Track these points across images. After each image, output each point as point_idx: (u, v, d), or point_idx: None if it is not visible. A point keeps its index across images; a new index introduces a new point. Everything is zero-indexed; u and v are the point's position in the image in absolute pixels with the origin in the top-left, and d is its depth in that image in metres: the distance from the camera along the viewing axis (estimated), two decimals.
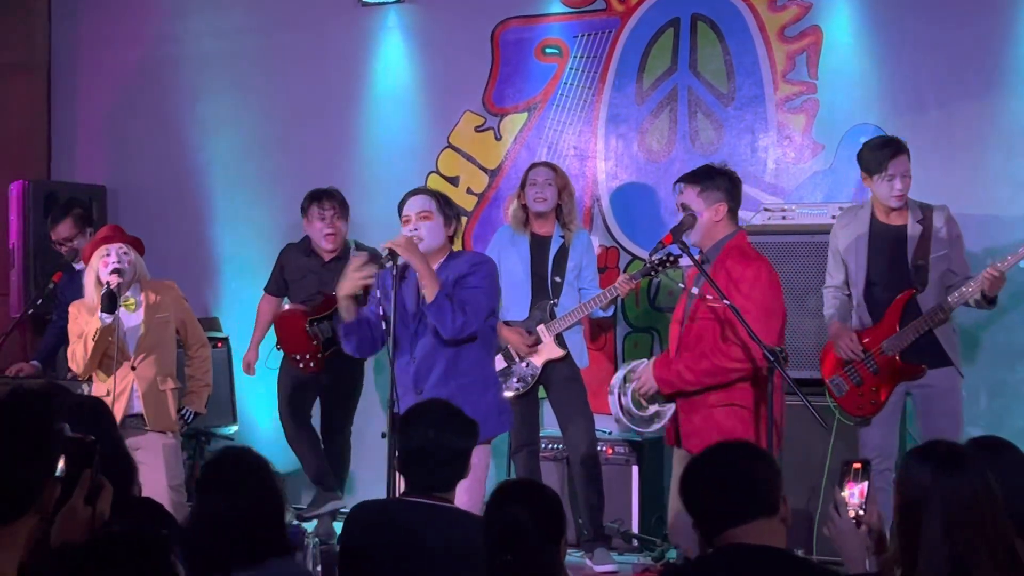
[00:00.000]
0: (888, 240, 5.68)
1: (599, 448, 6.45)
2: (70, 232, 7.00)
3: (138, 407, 5.76)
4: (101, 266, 5.74)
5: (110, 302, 5.63)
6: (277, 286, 7.09)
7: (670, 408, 5.08)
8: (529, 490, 3.43)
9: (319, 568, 4.36)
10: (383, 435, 4.67)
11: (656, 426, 5.29)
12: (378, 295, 5.03)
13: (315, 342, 6.81)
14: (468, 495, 3.94)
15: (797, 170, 6.89)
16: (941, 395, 5.61)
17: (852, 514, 3.08)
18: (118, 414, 5.53)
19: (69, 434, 2.68)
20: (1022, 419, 6.31)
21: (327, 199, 6.84)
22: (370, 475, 7.53)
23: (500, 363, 6.36)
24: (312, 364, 6.84)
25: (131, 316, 5.82)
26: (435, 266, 5.04)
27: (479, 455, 4.62)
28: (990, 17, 6.54)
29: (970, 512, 2.81)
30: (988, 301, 5.53)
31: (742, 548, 2.98)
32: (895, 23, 6.70)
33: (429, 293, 4.86)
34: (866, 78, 6.74)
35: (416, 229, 5.01)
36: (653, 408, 5.21)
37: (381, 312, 4.98)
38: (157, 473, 5.60)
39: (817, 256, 6.07)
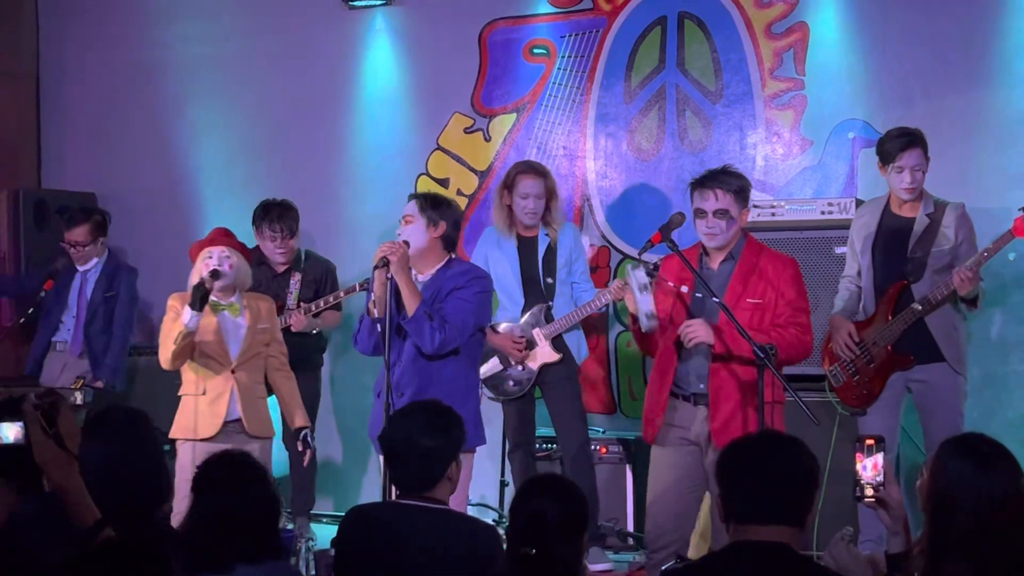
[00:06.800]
0: (895, 232, 5.71)
1: (592, 447, 6.47)
2: (84, 238, 7.08)
3: (237, 412, 5.61)
4: (203, 268, 5.58)
5: (201, 298, 5.44)
6: None
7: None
8: (556, 485, 3.52)
9: (313, 572, 4.37)
10: None
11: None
12: (372, 296, 5.05)
13: None
14: (450, 501, 3.94)
15: (786, 166, 6.89)
16: (937, 392, 5.61)
17: (870, 491, 3.00)
18: (217, 418, 5.52)
19: None
20: (1013, 411, 6.33)
21: (279, 221, 6.80)
22: (361, 475, 7.57)
23: (496, 366, 6.36)
24: None
25: (236, 321, 5.69)
26: (431, 272, 5.10)
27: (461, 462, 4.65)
28: (976, 10, 6.55)
29: (1001, 511, 2.78)
30: (968, 302, 5.55)
31: (751, 546, 2.91)
32: (881, 18, 6.71)
33: (409, 309, 4.93)
34: (853, 73, 6.75)
35: (400, 234, 5.09)
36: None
37: (376, 314, 5.01)
38: None
39: (807, 252, 6.09)
